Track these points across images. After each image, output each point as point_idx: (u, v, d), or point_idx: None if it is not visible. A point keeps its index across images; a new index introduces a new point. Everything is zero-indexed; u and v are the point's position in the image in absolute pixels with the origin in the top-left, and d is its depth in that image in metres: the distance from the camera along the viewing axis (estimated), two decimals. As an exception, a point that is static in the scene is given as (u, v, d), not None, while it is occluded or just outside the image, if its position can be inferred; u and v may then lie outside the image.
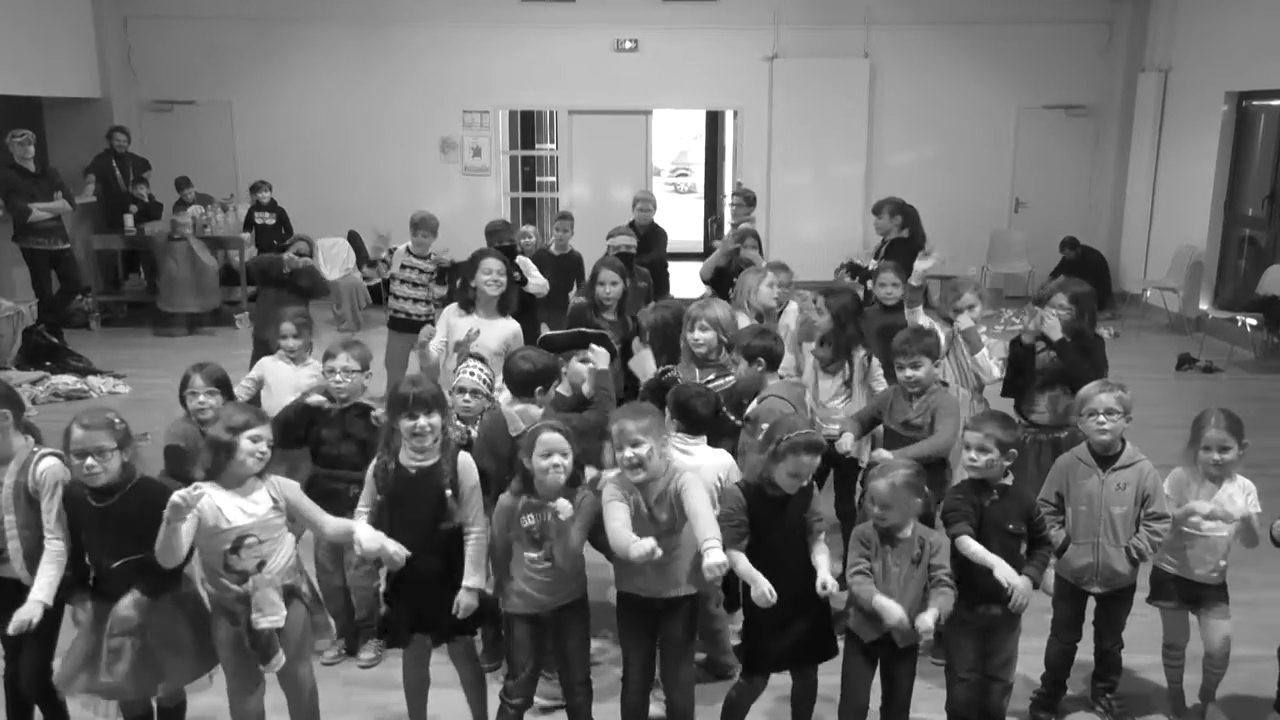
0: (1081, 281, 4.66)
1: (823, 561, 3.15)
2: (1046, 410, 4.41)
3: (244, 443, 2.97)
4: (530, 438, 3.12)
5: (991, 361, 4.55)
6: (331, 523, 3.17)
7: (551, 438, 3.09)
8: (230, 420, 3.01)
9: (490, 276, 4.94)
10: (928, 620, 3.04)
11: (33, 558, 3.10)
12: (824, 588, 3.09)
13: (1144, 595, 3.67)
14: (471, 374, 3.92)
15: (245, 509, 2.99)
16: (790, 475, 3.11)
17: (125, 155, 10.65)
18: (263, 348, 6.21)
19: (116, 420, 3.03)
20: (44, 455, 3.15)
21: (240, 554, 2.97)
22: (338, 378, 3.90)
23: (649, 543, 2.90)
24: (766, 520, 3.15)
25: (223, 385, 3.80)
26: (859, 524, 3.33)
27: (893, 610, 3.04)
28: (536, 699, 3.57)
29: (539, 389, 3.73)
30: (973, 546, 3.19)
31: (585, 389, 3.90)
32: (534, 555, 3.11)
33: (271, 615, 2.98)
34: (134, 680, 3.03)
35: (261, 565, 3.00)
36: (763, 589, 2.98)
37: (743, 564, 3.08)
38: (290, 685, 3.21)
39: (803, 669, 3.34)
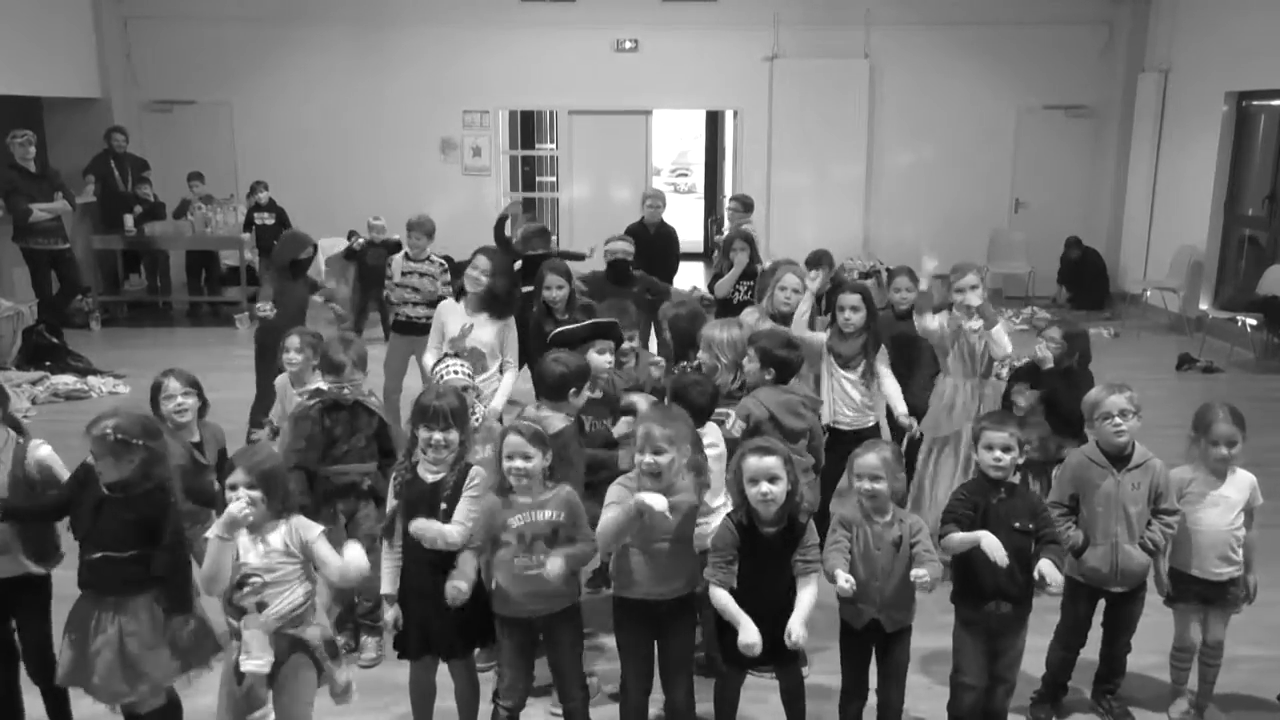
0: (1079, 325, 4.75)
1: (803, 604, 3.05)
2: (1038, 450, 4.47)
3: (229, 494, 2.91)
4: (499, 439, 3.14)
5: (1005, 338, 4.57)
6: (338, 568, 2.98)
7: (514, 440, 3.09)
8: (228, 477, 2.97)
9: (476, 273, 4.87)
10: (924, 574, 3.01)
11: (39, 548, 3.19)
12: (789, 636, 2.99)
13: (1147, 596, 3.67)
14: (455, 373, 3.96)
15: (258, 548, 2.92)
16: (749, 482, 3.05)
17: (124, 155, 10.64)
18: (271, 356, 6.09)
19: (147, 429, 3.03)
20: (38, 445, 3.24)
21: (242, 591, 2.90)
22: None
23: (660, 499, 2.91)
24: (751, 554, 3.08)
25: (196, 386, 3.73)
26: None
27: (840, 579, 3.02)
28: (549, 711, 3.57)
29: (573, 390, 3.73)
30: (956, 537, 3.20)
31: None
32: (523, 560, 3.09)
33: (257, 659, 2.87)
34: (104, 683, 2.99)
35: (262, 608, 2.91)
36: (749, 640, 2.97)
37: (729, 606, 3.05)
38: None
39: (783, 667, 3.33)
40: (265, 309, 5.89)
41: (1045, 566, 3.13)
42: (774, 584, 3.04)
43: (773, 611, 3.10)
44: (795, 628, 3.00)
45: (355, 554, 2.98)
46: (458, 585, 3.08)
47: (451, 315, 4.94)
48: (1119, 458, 3.51)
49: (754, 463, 3.06)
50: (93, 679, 3.00)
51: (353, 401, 3.98)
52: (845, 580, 3.02)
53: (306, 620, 3.01)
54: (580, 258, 7.50)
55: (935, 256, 4.78)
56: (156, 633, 3.04)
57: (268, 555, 2.92)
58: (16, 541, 3.18)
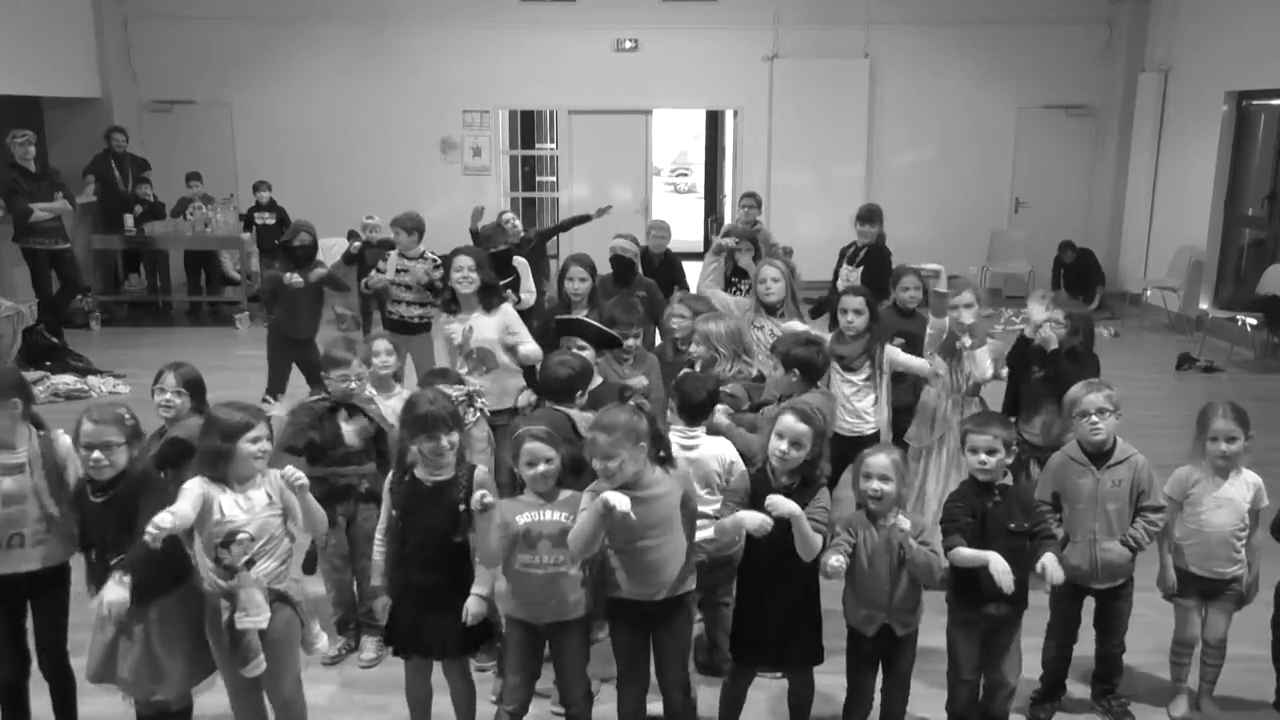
0: (1083, 305, 4.76)
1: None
2: (1041, 434, 4.50)
3: (243, 446, 2.94)
4: (514, 446, 3.10)
5: (988, 361, 4.57)
6: (308, 515, 3.07)
7: (533, 447, 3.06)
8: (226, 425, 2.97)
9: (461, 274, 4.87)
10: (905, 523, 3.06)
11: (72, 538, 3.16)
12: (769, 501, 3.01)
13: (1149, 595, 3.67)
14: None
15: (241, 504, 2.95)
16: (776, 435, 3.11)
17: (124, 155, 10.64)
18: (285, 346, 6.26)
19: (127, 416, 3.07)
20: (61, 435, 3.19)
21: (230, 549, 2.93)
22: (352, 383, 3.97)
23: (623, 498, 2.88)
24: (762, 504, 3.06)
25: (192, 387, 3.71)
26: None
27: (838, 567, 3.03)
28: (550, 710, 3.56)
29: (579, 392, 3.73)
30: (965, 554, 3.19)
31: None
32: (527, 558, 3.07)
33: (255, 616, 2.94)
34: (135, 679, 3.03)
35: (251, 564, 2.95)
36: (762, 516, 2.99)
37: (727, 523, 3.11)
38: (275, 697, 3.15)
39: (793, 670, 3.33)
40: (294, 278, 6.20)
41: (1049, 561, 3.14)
42: (786, 543, 3.04)
43: (781, 616, 3.13)
44: (777, 498, 3.00)
45: (319, 510, 3.13)
46: (480, 600, 3.16)
47: (450, 327, 4.93)
48: (1099, 455, 3.52)
49: (787, 422, 3.12)
50: (121, 674, 3.03)
51: (351, 403, 3.97)
52: (836, 559, 3.02)
53: (287, 575, 3.08)
54: (586, 219, 7.80)
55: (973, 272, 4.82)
56: (188, 631, 3.06)
57: (252, 510, 2.96)
58: (57, 528, 3.13)
